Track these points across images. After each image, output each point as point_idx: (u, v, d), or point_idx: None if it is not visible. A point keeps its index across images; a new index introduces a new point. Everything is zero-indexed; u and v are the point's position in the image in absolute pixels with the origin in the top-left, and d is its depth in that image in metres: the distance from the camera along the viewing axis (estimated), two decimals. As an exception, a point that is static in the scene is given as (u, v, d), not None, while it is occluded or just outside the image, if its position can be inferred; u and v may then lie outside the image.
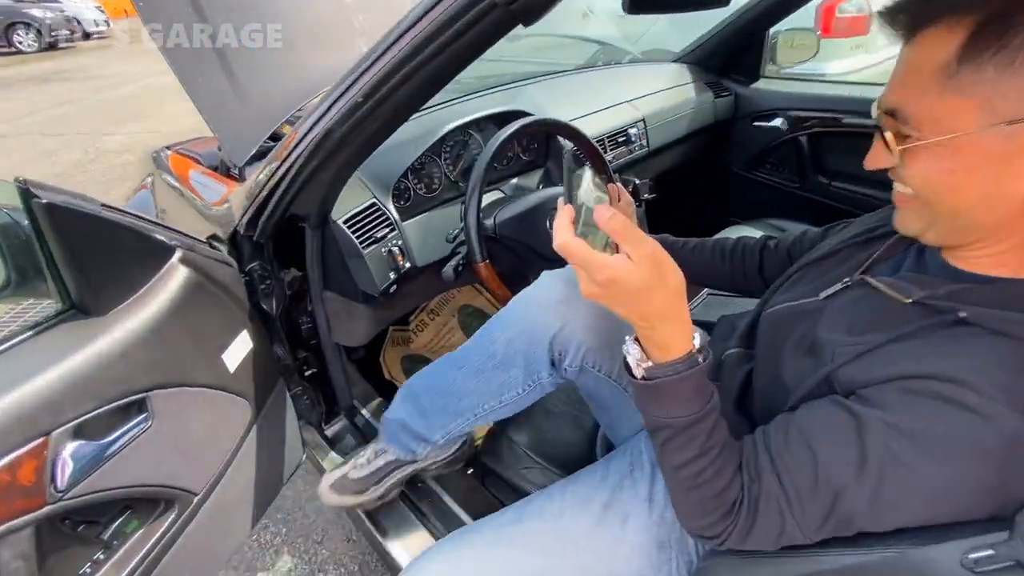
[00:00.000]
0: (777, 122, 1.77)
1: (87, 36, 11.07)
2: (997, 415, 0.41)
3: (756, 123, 1.83)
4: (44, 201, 0.58)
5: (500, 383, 0.79)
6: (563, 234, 0.50)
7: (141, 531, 0.71)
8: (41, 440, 0.58)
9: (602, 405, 0.82)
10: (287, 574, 1.30)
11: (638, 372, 0.53)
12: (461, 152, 1.22)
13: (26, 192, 0.57)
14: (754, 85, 1.85)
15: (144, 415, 0.69)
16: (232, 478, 0.85)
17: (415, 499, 1.06)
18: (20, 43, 9.56)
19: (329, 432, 1.23)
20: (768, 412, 0.57)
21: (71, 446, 0.61)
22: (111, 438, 0.65)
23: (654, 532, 0.68)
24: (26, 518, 0.56)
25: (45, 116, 5.72)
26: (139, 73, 7.89)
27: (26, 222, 0.65)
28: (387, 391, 1.34)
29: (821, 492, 0.47)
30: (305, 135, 0.79)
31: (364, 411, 1.27)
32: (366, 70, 0.65)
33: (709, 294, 1.40)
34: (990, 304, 0.45)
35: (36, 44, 9.73)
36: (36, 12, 9.77)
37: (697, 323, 0.55)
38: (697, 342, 0.51)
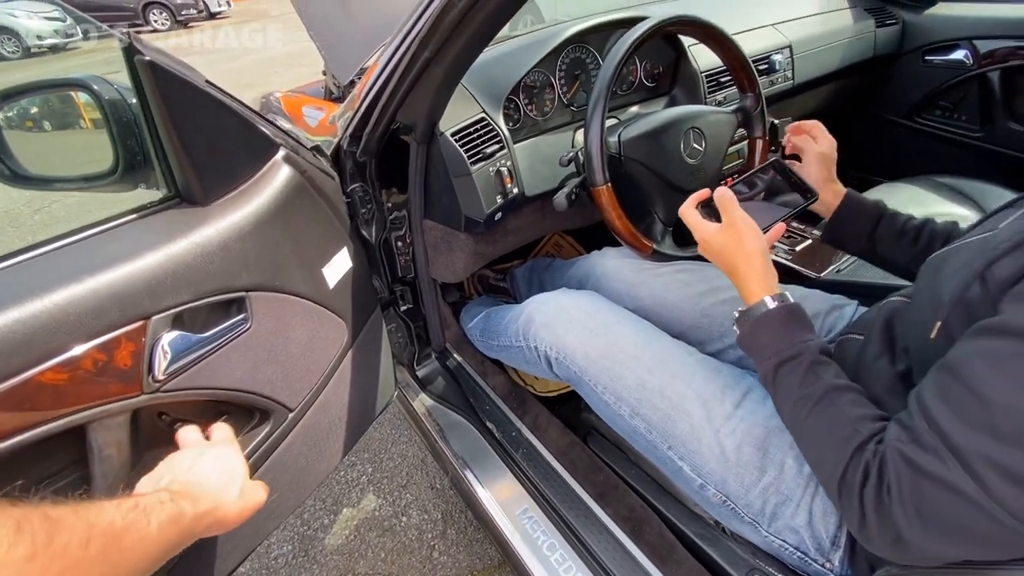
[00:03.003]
0: (958, 55, 1.45)
1: (212, 16, 12.09)
2: None
3: (929, 57, 1.51)
4: (148, 59, 0.52)
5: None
6: (688, 202, 0.68)
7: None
8: (140, 323, 0.54)
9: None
10: (371, 514, 1.27)
11: (736, 325, 0.62)
12: (578, 73, 1.08)
13: (130, 48, 0.52)
14: (929, 11, 1.52)
15: (243, 315, 0.64)
16: (327, 400, 0.80)
17: (510, 448, 0.97)
18: (155, 21, 10.62)
19: (420, 373, 1.18)
20: (920, 344, 0.52)
21: (170, 335, 0.56)
22: (210, 333, 0.60)
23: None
24: (122, 403, 0.52)
25: (173, 85, 6.28)
26: (253, 48, 8.47)
27: (134, 100, 0.62)
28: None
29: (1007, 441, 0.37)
30: (414, 25, 0.70)
31: (456, 355, 1.20)
32: None
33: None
34: None
35: (168, 22, 10.76)
36: (169, -8, 10.79)
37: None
38: (770, 302, 0.58)
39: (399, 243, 1.04)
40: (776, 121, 1.18)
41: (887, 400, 0.56)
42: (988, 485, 0.37)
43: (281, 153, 0.72)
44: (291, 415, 0.73)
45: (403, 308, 1.12)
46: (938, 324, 0.48)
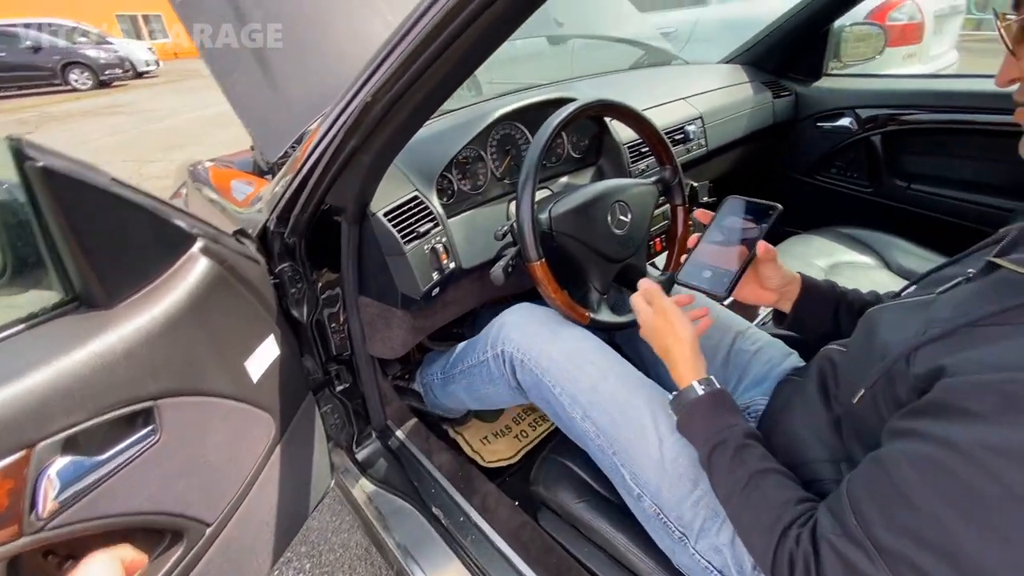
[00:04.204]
0: (844, 121, 1.63)
1: (138, 75, 11.76)
2: None
3: (820, 124, 1.69)
4: (40, 164, 0.48)
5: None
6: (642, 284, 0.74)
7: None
8: (22, 454, 0.47)
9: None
10: (310, 617, 1.15)
11: (672, 411, 0.65)
12: (508, 148, 1.12)
13: (19, 153, 0.48)
14: (816, 84, 1.72)
15: (150, 427, 0.58)
16: (252, 506, 0.73)
17: (458, 535, 0.92)
18: (75, 81, 10.18)
19: (360, 456, 1.11)
20: (847, 403, 0.54)
21: (59, 463, 0.50)
22: (109, 454, 0.54)
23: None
24: (-6, 553, 0.45)
25: (95, 145, 5.99)
26: (184, 108, 8.27)
27: (24, 198, 0.57)
28: (422, 414, 1.22)
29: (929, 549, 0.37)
30: (340, 115, 0.71)
31: (399, 432, 1.14)
32: (398, 43, 0.58)
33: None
34: None
35: (90, 82, 10.34)
36: (91, 52, 10.43)
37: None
38: (698, 387, 0.62)
39: (333, 323, 1.00)
40: (695, 184, 1.27)
41: (814, 443, 0.58)
42: None
43: (198, 245, 0.68)
44: (208, 531, 0.66)
45: (339, 388, 1.07)
46: (861, 392, 0.50)
